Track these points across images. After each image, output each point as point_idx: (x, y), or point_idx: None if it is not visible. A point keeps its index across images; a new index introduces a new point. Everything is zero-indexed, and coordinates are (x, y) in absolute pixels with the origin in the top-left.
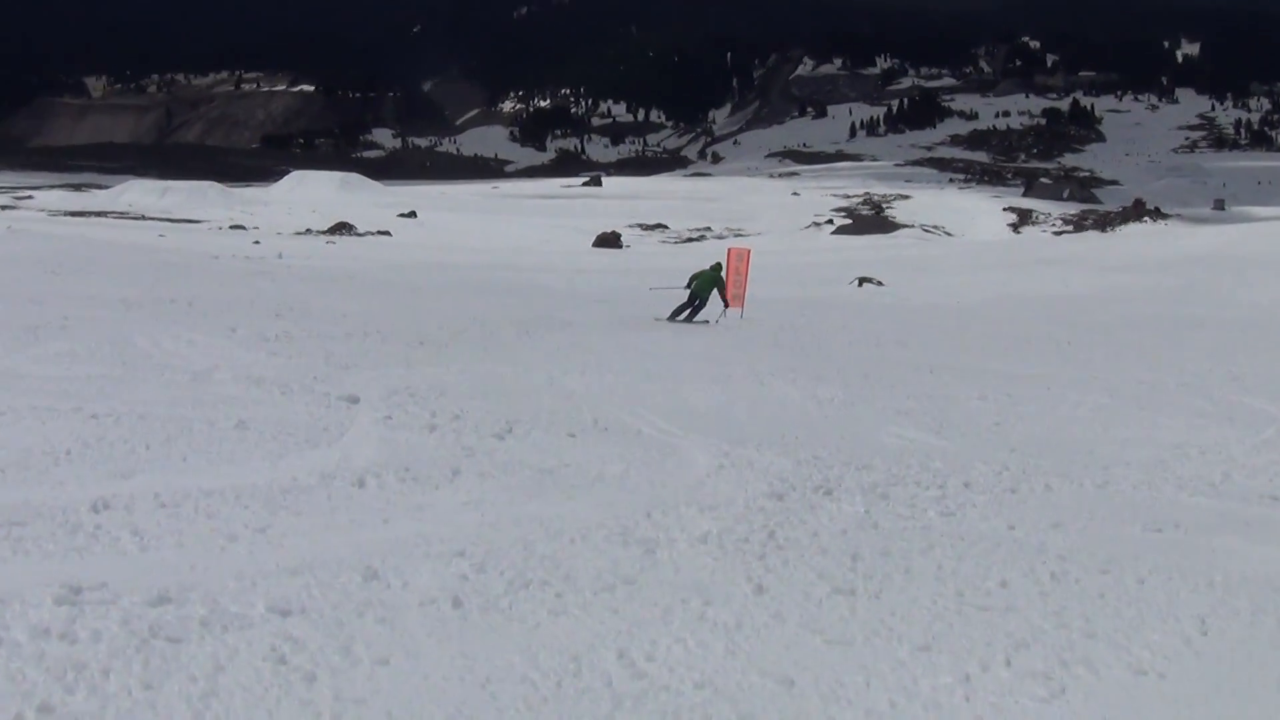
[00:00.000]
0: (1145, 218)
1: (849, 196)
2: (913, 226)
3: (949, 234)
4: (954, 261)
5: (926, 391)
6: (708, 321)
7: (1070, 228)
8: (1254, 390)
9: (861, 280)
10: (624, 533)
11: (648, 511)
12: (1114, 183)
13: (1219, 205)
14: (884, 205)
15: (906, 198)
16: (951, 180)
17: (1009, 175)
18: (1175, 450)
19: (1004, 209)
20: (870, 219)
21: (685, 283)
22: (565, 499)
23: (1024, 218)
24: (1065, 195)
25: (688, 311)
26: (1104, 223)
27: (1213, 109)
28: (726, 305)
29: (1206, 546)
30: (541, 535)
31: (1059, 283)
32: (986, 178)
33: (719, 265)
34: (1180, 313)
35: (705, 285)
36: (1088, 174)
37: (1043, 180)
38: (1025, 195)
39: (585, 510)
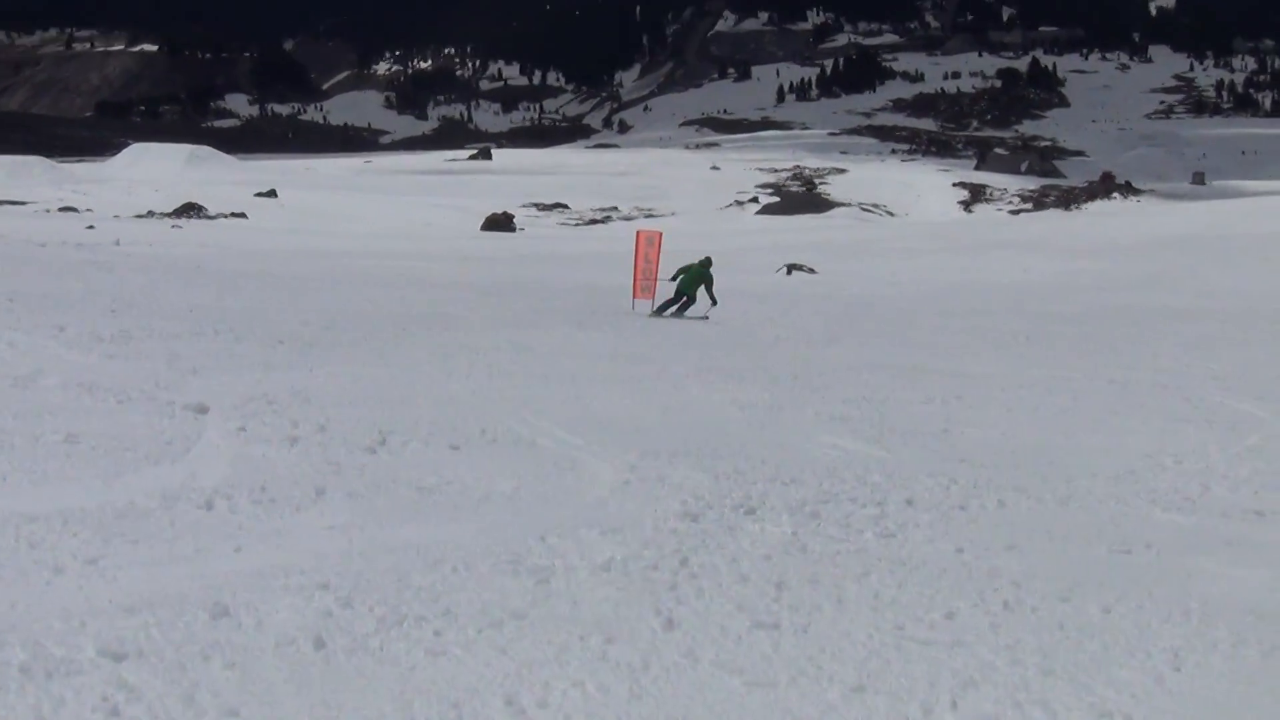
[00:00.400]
0: (1115, 194)
1: (776, 170)
2: (849, 205)
3: (891, 214)
4: (897, 245)
5: (864, 394)
6: (706, 318)
7: (1029, 206)
8: (1237, 390)
9: (791, 267)
10: (514, 560)
11: (542, 535)
12: (1079, 154)
13: (1198, 179)
14: (817, 180)
15: (842, 172)
16: (894, 151)
17: (959, 145)
18: (1147, 459)
19: (954, 184)
20: (801, 197)
21: (671, 275)
22: (446, 521)
23: (977, 194)
24: (1024, 168)
25: (675, 307)
26: (1068, 200)
27: (1191, 69)
28: (714, 303)
29: (1182, 569)
30: (418, 564)
31: (1017, 269)
32: (934, 149)
33: (708, 260)
34: (1154, 302)
35: (691, 281)
36: (1049, 144)
37: (998, 151)
38: (978, 168)
39: (469, 535)
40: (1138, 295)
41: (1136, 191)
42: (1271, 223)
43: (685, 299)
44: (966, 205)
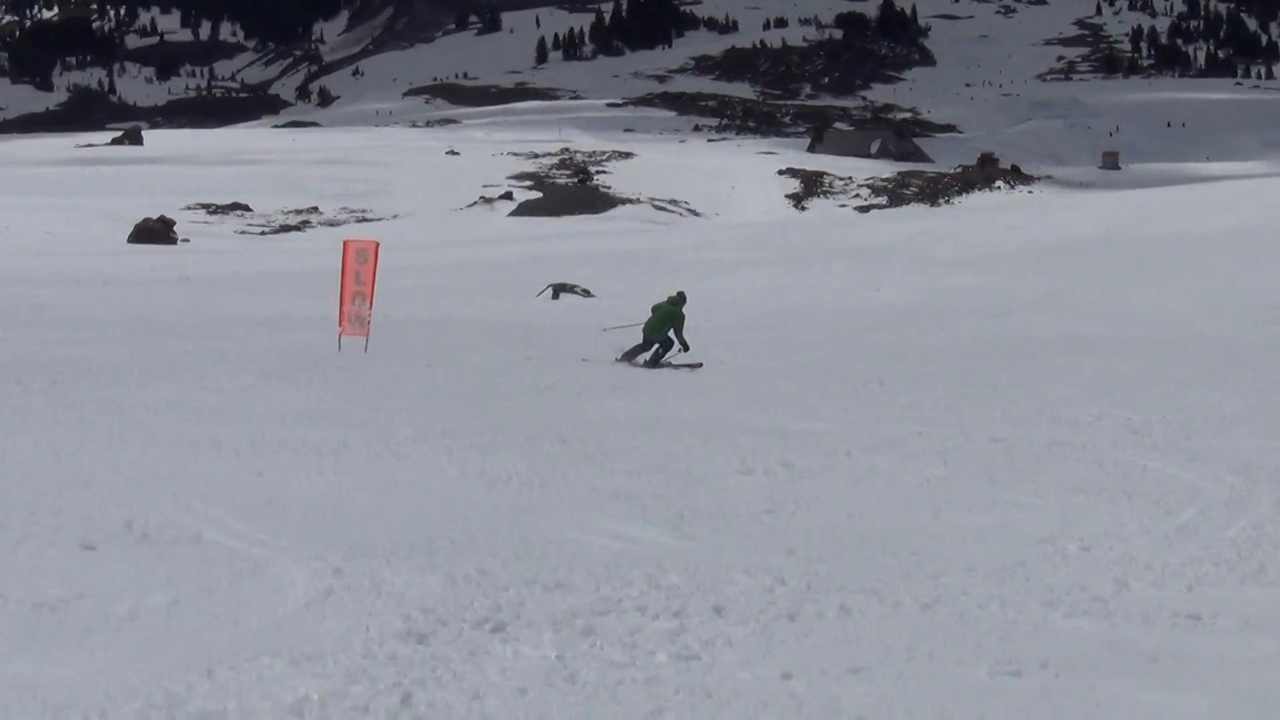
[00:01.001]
0: (998, 182)
1: (537, 156)
2: (638, 202)
3: (695, 213)
4: (704, 256)
5: (659, 462)
6: (699, 365)
7: (883, 200)
8: (1164, 449)
9: (558, 289)
10: (170, 703)
11: (209, 668)
12: (949, 128)
13: (1110, 161)
14: (593, 169)
15: (628, 156)
16: (698, 128)
17: (787, 120)
18: (1044, 546)
19: (780, 172)
20: (571, 191)
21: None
22: (76, 650)
23: (812, 185)
24: (874, 149)
25: (645, 355)
26: (935, 191)
27: (1098, 13)
28: (684, 347)
29: (1089, 696)
30: (34, 711)
31: (866, 286)
32: (752, 124)
33: (680, 298)
34: (1053, 330)
35: (659, 323)
36: (908, 115)
37: (839, 127)
38: (813, 150)
39: (109, 668)
40: (1030, 321)
41: (1027, 179)
42: (1209, 219)
43: (658, 346)
44: (798, 200)
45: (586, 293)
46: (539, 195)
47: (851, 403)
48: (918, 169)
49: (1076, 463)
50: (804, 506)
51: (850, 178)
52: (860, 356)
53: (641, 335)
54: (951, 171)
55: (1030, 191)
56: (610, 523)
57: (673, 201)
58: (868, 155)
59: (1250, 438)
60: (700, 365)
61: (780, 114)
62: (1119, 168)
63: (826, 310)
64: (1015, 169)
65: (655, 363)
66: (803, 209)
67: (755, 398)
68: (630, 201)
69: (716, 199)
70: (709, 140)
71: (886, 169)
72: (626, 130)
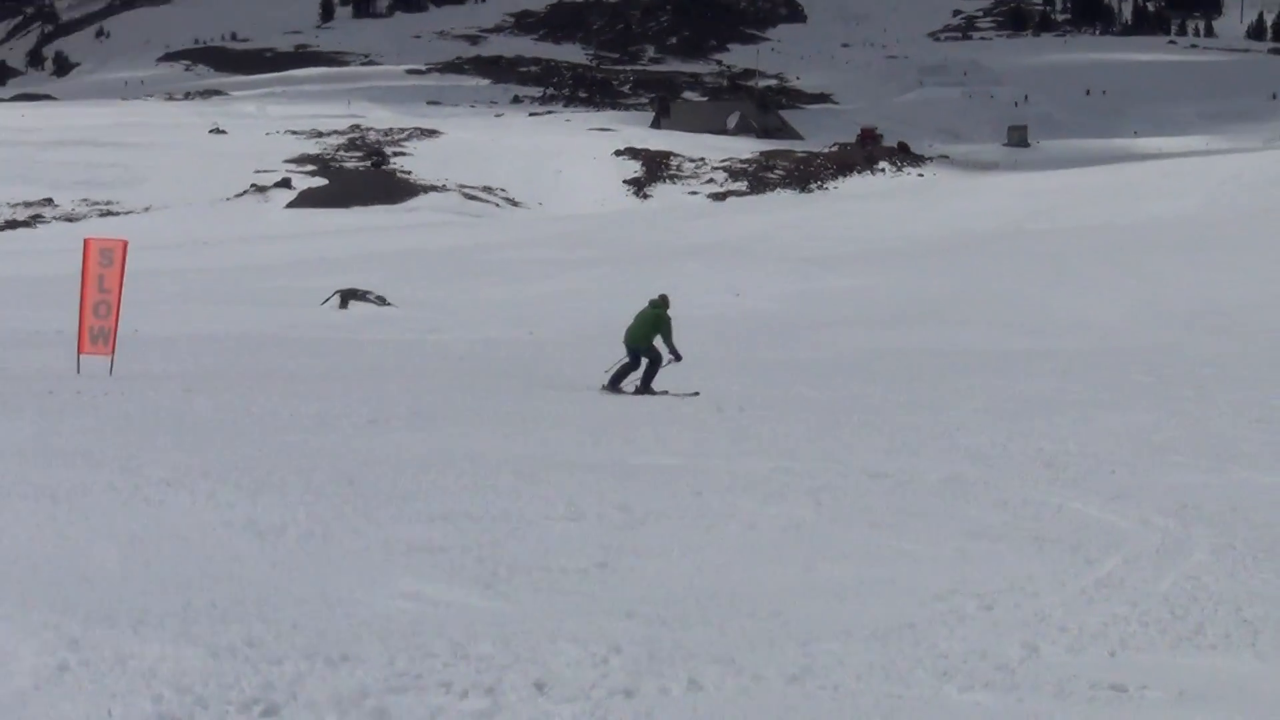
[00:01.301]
0: (882, 164)
1: (322, 135)
2: (445, 189)
3: (515, 203)
4: (525, 255)
5: (468, 507)
6: (696, 394)
7: (743, 186)
8: (1083, 485)
9: (347, 296)
10: None
11: None
12: (823, 98)
13: (1018, 138)
14: (390, 150)
15: (432, 134)
16: (518, 100)
17: (626, 88)
18: (936, 605)
19: (618, 153)
20: (364, 177)
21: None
22: None
23: (655, 169)
24: (732, 125)
25: (639, 375)
26: (806, 175)
27: None
28: (677, 357)
29: None
30: None
31: (723, 291)
32: (584, 94)
33: (663, 300)
34: (949, 343)
35: (643, 331)
36: (773, 83)
37: (689, 98)
38: (658, 125)
39: None
40: (922, 331)
41: (917, 159)
42: (1138, 207)
43: (647, 362)
44: (639, 187)
45: (382, 300)
46: (324, 183)
47: (704, 432)
48: (784, 147)
49: (977, 503)
50: (645, 559)
51: (703, 159)
52: (716, 376)
53: (626, 352)
54: (825, 150)
55: (921, 175)
56: (408, 581)
57: (487, 189)
58: (724, 131)
59: (1186, 471)
60: (697, 394)
61: (618, 82)
62: (1028, 145)
63: (675, 320)
64: (903, 147)
65: (646, 385)
66: (645, 197)
67: (587, 428)
68: (435, 189)
69: (540, 186)
70: (531, 114)
71: (747, 148)
72: (431, 103)
